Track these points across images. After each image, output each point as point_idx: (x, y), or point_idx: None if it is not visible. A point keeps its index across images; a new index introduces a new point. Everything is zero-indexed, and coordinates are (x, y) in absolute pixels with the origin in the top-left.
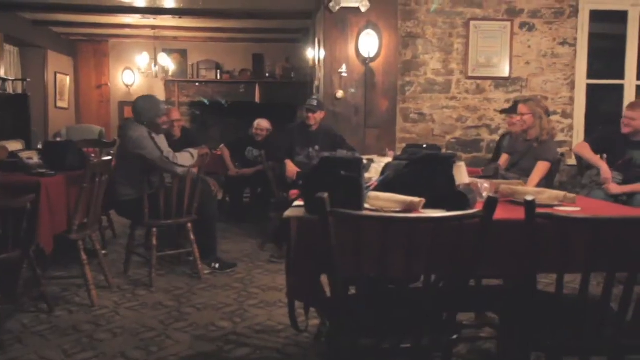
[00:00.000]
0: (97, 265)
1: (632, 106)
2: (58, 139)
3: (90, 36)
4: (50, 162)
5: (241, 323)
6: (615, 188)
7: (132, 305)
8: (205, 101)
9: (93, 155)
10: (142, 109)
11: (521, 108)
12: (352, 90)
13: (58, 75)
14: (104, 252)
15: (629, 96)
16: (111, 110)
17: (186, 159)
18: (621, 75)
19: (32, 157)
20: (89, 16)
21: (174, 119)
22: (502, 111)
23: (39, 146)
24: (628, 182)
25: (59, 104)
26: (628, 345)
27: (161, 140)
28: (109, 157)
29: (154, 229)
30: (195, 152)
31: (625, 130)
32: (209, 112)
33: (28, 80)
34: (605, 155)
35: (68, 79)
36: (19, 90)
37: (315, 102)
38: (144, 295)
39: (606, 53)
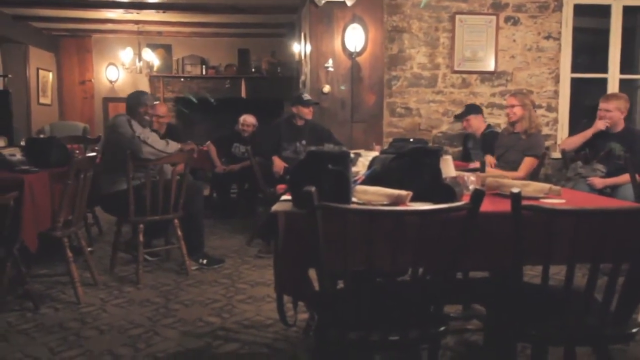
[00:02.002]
0: (83, 262)
1: (606, 98)
2: (41, 136)
3: (72, 31)
4: (34, 158)
5: (229, 318)
6: (599, 182)
7: (118, 302)
8: (193, 98)
9: (77, 151)
10: (127, 100)
11: (511, 100)
12: (342, 87)
13: (40, 71)
14: (89, 249)
15: (612, 90)
16: (95, 107)
17: (159, 142)
18: (605, 69)
19: (15, 154)
20: (71, 11)
21: (158, 114)
22: (455, 117)
23: (22, 143)
24: (610, 175)
25: (42, 100)
26: (611, 335)
27: (140, 127)
28: (94, 154)
29: (141, 225)
30: (174, 143)
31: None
32: (195, 109)
33: (9, 76)
34: (587, 149)
35: (50, 74)
36: (0, 87)
37: (310, 97)
38: (130, 292)
39: (590, 47)
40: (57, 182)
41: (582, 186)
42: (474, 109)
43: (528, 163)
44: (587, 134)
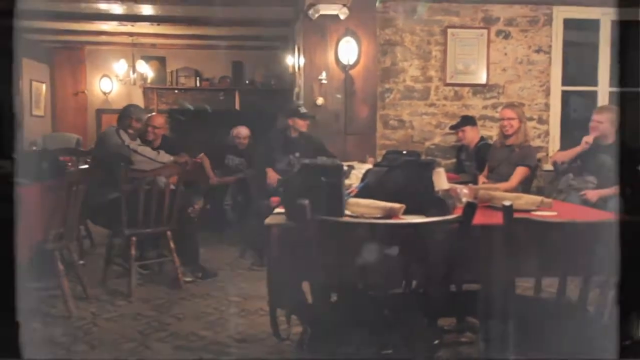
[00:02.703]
0: (75, 275)
1: (599, 110)
2: (34, 148)
3: (66, 43)
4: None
5: (222, 332)
6: (593, 195)
7: (110, 316)
8: (190, 107)
9: (70, 164)
10: (119, 113)
11: (508, 112)
12: (338, 96)
13: (33, 83)
14: (81, 262)
15: (602, 102)
16: (88, 119)
17: (149, 151)
18: (594, 82)
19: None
20: (65, 23)
21: (154, 124)
22: (451, 127)
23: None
24: (602, 187)
25: (35, 112)
26: (603, 347)
27: (129, 138)
28: (86, 166)
29: (133, 238)
30: (165, 154)
31: (593, 133)
32: (189, 120)
33: None
34: (579, 161)
35: (44, 86)
36: None
37: (306, 110)
38: (122, 306)
39: (580, 60)
40: (49, 195)
41: (573, 198)
42: (470, 120)
43: (520, 173)
44: (576, 150)
